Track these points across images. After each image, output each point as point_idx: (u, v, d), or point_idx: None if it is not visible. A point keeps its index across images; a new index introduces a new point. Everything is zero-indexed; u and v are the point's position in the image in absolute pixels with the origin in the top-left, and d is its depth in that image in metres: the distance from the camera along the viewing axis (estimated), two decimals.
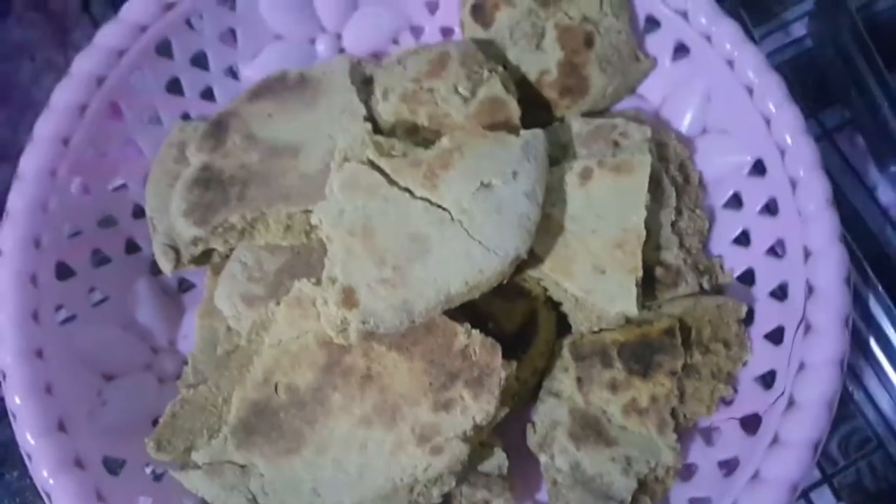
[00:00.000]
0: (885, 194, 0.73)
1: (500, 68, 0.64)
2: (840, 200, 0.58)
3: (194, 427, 0.50)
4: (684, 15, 0.64)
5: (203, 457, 0.49)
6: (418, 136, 0.62)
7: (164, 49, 0.66)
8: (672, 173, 0.63)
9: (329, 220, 0.51)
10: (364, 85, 0.65)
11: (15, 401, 0.52)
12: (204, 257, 0.61)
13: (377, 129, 0.62)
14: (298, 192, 0.57)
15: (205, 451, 0.49)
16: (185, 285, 0.68)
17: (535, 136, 0.58)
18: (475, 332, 0.52)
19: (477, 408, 0.50)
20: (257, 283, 0.57)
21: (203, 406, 0.51)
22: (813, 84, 0.77)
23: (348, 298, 0.49)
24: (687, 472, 0.57)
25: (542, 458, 0.55)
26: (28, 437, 0.52)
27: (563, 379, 0.57)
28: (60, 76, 0.62)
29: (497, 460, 0.54)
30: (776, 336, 0.57)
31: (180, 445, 0.50)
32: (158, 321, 0.65)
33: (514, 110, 0.61)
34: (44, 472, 0.51)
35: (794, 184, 0.58)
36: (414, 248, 0.51)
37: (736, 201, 0.64)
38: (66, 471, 0.51)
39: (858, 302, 0.66)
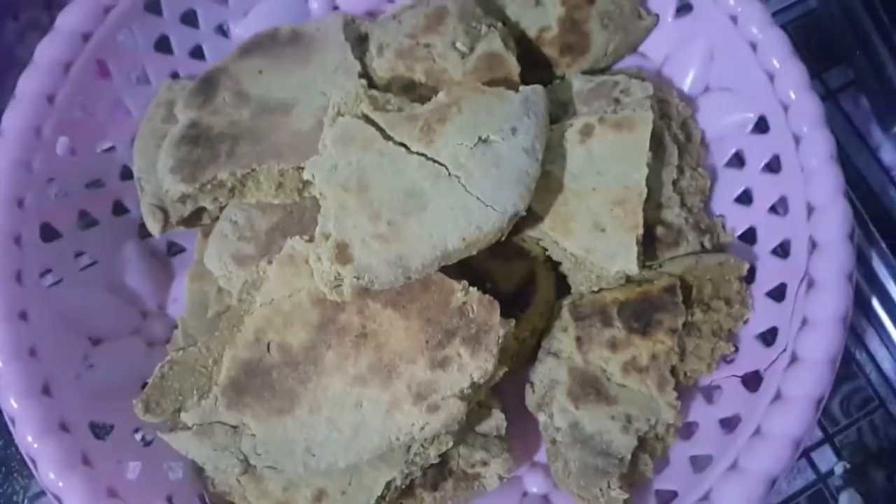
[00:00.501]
0: (888, 154, 0.72)
1: (500, 24, 0.62)
2: (843, 161, 0.57)
3: (184, 388, 0.49)
4: None
5: (193, 417, 0.48)
6: (415, 92, 0.60)
7: (152, 6, 0.64)
8: (674, 131, 0.61)
9: (322, 174, 0.50)
10: (358, 42, 0.63)
11: None
12: (193, 218, 0.59)
13: (372, 86, 0.60)
14: (291, 149, 0.55)
15: (194, 412, 0.48)
16: (174, 249, 0.66)
17: (535, 91, 0.56)
18: (473, 289, 0.50)
19: (474, 365, 0.48)
20: (248, 242, 0.55)
21: (193, 367, 0.49)
22: (817, 44, 0.75)
23: (342, 254, 0.47)
24: (687, 430, 0.56)
25: (541, 418, 0.54)
26: (11, 401, 0.50)
27: (563, 339, 0.56)
28: (45, 35, 0.59)
29: (495, 421, 0.53)
30: (778, 293, 0.56)
31: (169, 407, 0.48)
32: (147, 285, 0.63)
33: (513, 66, 0.60)
34: (28, 437, 0.49)
35: (797, 140, 0.57)
36: (409, 204, 0.49)
37: (738, 160, 0.63)
38: (50, 434, 0.50)
39: (862, 262, 0.65)
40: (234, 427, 0.48)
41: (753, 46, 0.60)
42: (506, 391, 0.55)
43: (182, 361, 0.49)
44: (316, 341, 0.49)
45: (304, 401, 0.48)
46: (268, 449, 0.47)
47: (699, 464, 0.53)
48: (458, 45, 0.60)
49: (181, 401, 0.48)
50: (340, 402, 0.48)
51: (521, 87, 0.56)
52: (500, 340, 0.49)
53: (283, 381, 0.48)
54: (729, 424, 0.53)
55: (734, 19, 0.61)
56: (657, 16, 0.66)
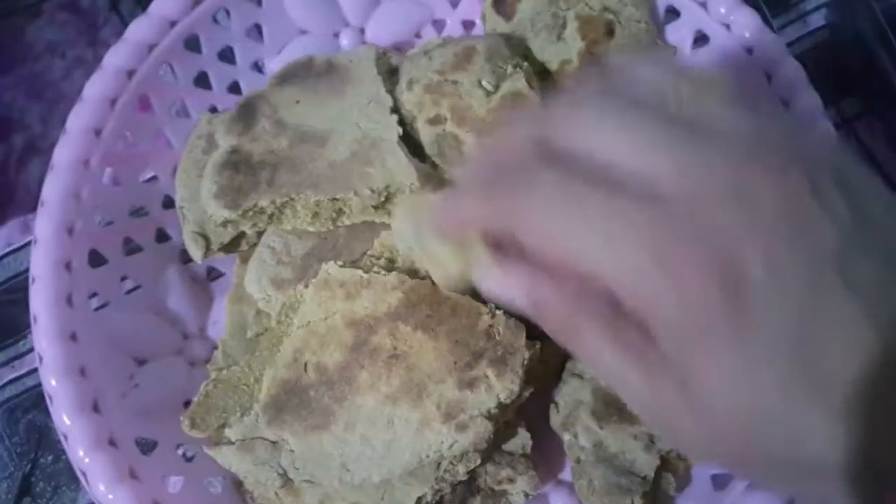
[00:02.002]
0: None
1: (525, 64, 0.65)
2: None
3: (227, 405, 0.51)
4: (703, 5, 0.65)
5: (236, 433, 0.50)
6: (440, 126, 0.63)
7: (192, 44, 0.68)
8: None
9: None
10: (389, 75, 0.66)
11: (51, 383, 0.54)
12: (232, 244, 0.62)
13: (401, 119, 0.63)
14: (326, 180, 0.58)
15: (237, 428, 0.51)
16: (213, 274, 0.69)
17: None
18: (499, 312, 0.52)
19: (501, 386, 0.50)
20: (286, 267, 0.58)
21: (235, 385, 0.52)
22: (832, 74, 0.77)
23: None
24: None
25: (566, 437, 0.56)
26: (64, 418, 0.53)
27: None
28: (90, 72, 0.63)
29: (521, 440, 0.55)
30: None
31: (214, 423, 0.51)
32: (189, 308, 0.66)
33: (535, 106, 0.62)
34: (79, 452, 0.52)
35: None
36: None
37: None
38: (100, 449, 0.52)
39: None
40: (274, 443, 0.50)
41: (769, 77, 0.62)
42: (531, 412, 0.57)
43: (225, 380, 0.52)
44: (350, 362, 0.51)
45: (340, 418, 0.50)
46: (305, 463, 0.50)
47: (720, 482, 0.54)
48: (484, 83, 0.62)
49: (225, 417, 0.51)
50: (374, 419, 0.50)
51: None
52: (526, 361, 0.51)
53: (320, 399, 0.51)
54: None
55: (750, 51, 0.63)
56: (675, 48, 0.68)
